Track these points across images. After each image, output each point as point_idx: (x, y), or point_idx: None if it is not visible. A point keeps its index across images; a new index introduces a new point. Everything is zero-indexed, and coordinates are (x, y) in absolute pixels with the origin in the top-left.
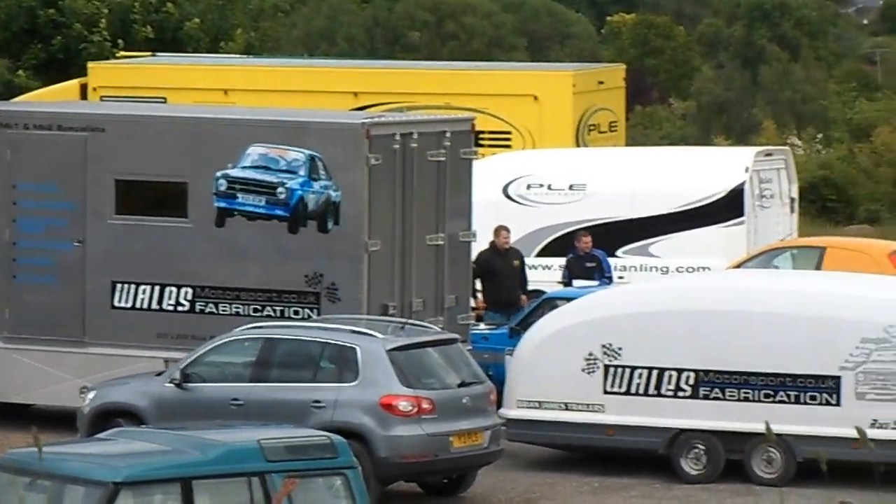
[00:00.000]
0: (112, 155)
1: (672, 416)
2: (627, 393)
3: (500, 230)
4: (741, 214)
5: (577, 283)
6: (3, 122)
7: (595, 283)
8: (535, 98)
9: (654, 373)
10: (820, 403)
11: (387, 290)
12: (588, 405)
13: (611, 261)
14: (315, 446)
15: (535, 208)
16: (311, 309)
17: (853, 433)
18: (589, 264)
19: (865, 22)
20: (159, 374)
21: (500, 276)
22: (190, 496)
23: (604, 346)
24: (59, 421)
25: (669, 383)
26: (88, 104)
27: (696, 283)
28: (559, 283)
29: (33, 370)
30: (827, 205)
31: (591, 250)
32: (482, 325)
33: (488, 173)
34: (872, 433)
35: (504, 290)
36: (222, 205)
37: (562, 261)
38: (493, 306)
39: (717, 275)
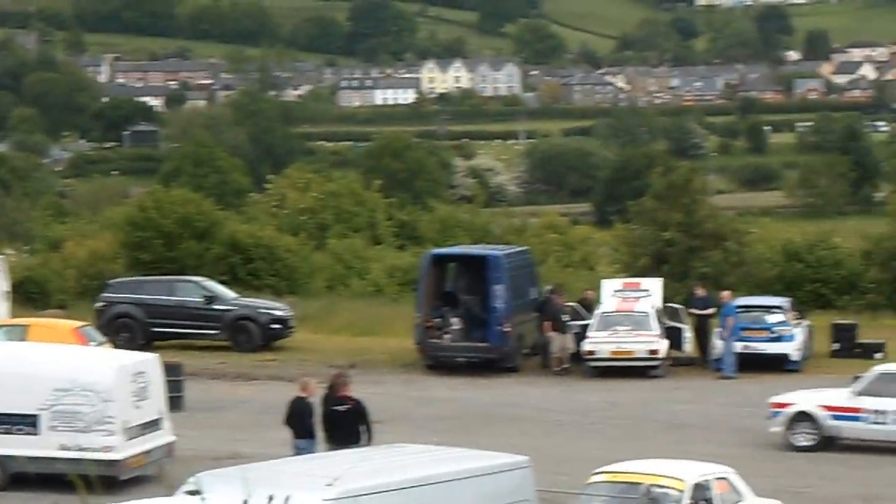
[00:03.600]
0: None
1: None
2: None
3: None
4: None
5: None
6: None
7: None
8: None
9: None
10: (26, 434)
11: None
12: None
13: None
14: None
15: None
16: None
17: (50, 454)
18: None
19: (59, 168)
20: None
21: None
22: None
23: None
24: None
25: None
26: None
27: None
28: None
29: None
30: (31, 296)
31: None
32: None
33: None
34: (62, 454)
35: None
36: None
37: None
38: None
39: None
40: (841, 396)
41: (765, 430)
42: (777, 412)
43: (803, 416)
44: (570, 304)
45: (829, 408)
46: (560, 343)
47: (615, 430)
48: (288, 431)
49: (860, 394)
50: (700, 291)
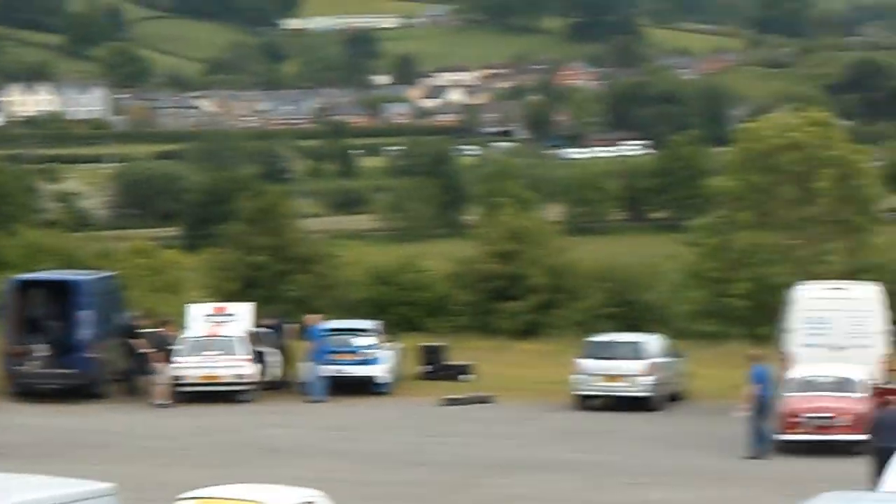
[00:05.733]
0: None
1: None
2: None
3: None
4: None
5: None
6: None
7: None
8: None
9: None
10: None
11: None
12: None
13: None
14: None
15: None
16: None
17: None
18: None
19: None
20: None
21: None
22: None
23: None
24: None
25: None
26: None
27: None
28: None
29: None
30: None
31: None
32: None
33: None
34: None
35: None
36: None
37: None
38: None
39: None
40: None
41: (359, 452)
42: None
43: None
44: (157, 330)
45: None
46: (167, 373)
47: (206, 456)
48: None
49: None
50: (267, 321)
